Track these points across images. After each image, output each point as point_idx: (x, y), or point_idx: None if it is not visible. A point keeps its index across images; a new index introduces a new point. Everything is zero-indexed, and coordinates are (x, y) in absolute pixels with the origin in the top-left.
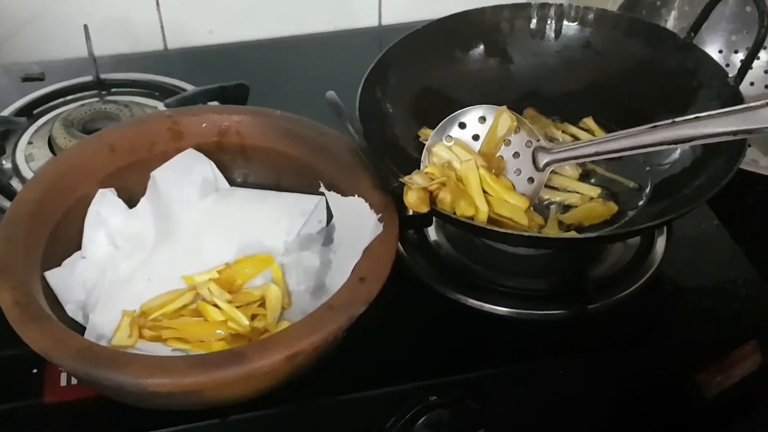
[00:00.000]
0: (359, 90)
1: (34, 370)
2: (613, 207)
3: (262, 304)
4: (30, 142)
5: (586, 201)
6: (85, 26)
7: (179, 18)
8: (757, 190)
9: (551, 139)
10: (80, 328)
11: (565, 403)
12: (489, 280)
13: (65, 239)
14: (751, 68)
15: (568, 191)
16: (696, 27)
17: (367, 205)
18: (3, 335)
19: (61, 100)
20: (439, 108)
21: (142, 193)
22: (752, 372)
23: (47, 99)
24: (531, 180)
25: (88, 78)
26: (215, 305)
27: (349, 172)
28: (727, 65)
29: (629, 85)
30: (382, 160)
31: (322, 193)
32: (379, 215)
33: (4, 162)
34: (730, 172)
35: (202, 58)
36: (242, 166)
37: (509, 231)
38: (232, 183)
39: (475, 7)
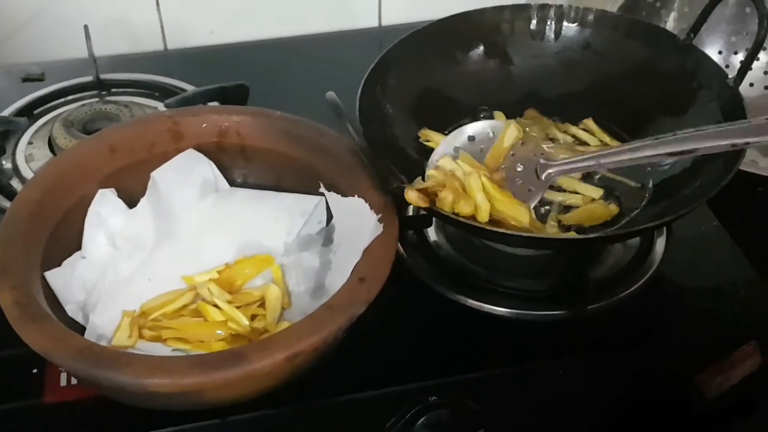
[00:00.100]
0: (359, 90)
1: (34, 370)
2: (614, 209)
3: (262, 304)
4: (30, 143)
5: (588, 202)
6: (86, 26)
7: (179, 18)
8: (757, 191)
9: (552, 140)
10: (80, 329)
11: (564, 403)
12: (489, 280)
13: (65, 239)
14: (751, 69)
15: (570, 192)
16: (696, 28)
17: (367, 205)
18: (3, 335)
19: (62, 100)
20: (439, 109)
21: (142, 194)
22: (752, 373)
23: (47, 99)
24: (530, 190)
25: (88, 78)
26: (215, 305)
27: (349, 172)
28: (727, 66)
29: (629, 86)
30: (382, 160)
31: (322, 194)
32: (379, 216)
33: (4, 162)
34: (729, 172)
35: (202, 58)
36: (242, 166)
37: (509, 231)
38: (232, 183)
39: (475, 8)
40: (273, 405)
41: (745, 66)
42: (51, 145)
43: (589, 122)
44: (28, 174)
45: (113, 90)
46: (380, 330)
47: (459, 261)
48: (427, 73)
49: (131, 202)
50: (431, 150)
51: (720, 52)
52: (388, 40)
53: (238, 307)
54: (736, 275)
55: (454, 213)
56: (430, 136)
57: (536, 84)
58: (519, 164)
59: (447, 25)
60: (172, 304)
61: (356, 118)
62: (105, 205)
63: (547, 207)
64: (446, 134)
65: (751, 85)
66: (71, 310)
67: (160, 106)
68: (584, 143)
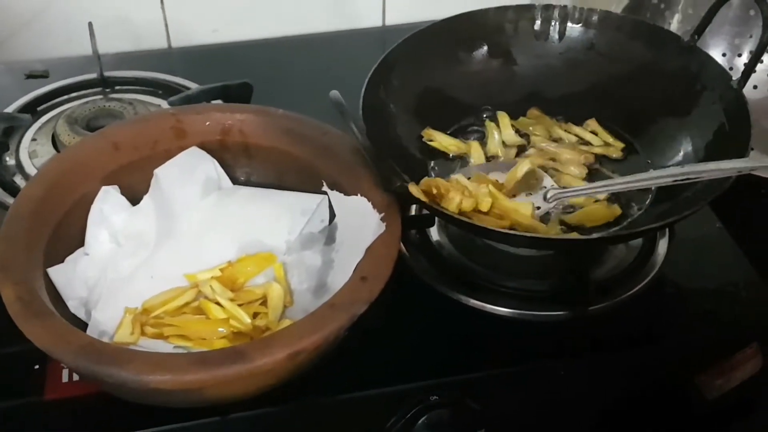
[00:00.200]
0: (363, 90)
1: (36, 366)
2: (616, 210)
3: (264, 302)
4: (34, 139)
5: (591, 202)
6: (90, 24)
7: (183, 16)
8: (760, 193)
9: (556, 140)
10: (83, 325)
11: (565, 404)
12: (490, 280)
13: (68, 236)
14: (755, 72)
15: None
16: (699, 30)
17: (369, 204)
18: (5, 332)
19: (65, 97)
20: (442, 108)
21: (145, 191)
22: (753, 375)
23: (51, 96)
24: (537, 208)
25: (92, 75)
26: (217, 303)
27: (352, 171)
28: (731, 68)
29: (632, 87)
30: (385, 159)
31: (325, 193)
32: (382, 215)
33: (7, 158)
34: (732, 175)
35: (205, 56)
36: (245, 164)
37: (511, 231)
38: (234, 181)
39: (479, 8)
40: (274, 403)
41: (749, 68)
42: (54, 142)
43: (593, 123)
44: (31, 170)
45: (117, 87)
46: (382, 329)
47: (461, 261)
48: (431, 73)
49: (134, 200)
50: (434, 149)
51: (724, 54)
52: (391, 39)
53: (240, 305)
54: (738, 277)
55: (460, 212)
56: (433, 136)
57: (539, 84)
58: (528, 192)
59: (450, 24)
60: (175, 302)
61: (359, 117)
62: (108, 202)
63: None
64: (449, 134)
65: (755, 87)
66: (73, 306)
67: (164, 103)
68: (587, 143)
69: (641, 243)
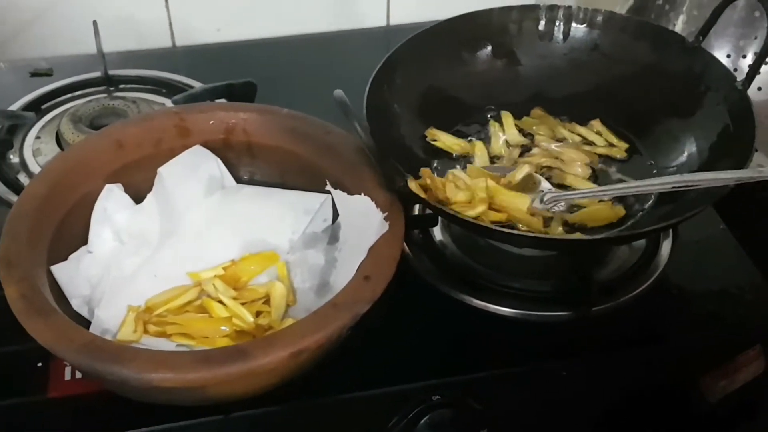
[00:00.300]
0: (367, 89)
1: (39, 364)
2: (620, 211)
3: (267, 301)
4: (38, 137)
5: (595, 202)
6: (95, 22)
7: (187, 16)
8: (763, 195)
9: (560, 140)
10: (86, 323)
11: (568, 404)
12: (493, 280)
13: (71, 234)
14: (759, 73)
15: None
16: (704, 31)
17: (372, 203)
18: (8, 329)
19: (69, 95)
20: (446, 108)
21: (149, 190)
22: (756, 377)
23: (55, 94)
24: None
25: (97, 74)
26: (220, 302)
27: (355, 170)
28: (735, 70)
29: (636, 88)
30: (388, 159)
31: (328, 192)
32: (385, 214)
33: (11, 156)
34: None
35: (210, 55)
36: (248, 163)
37: (514, 231)
38: (238, 180)
39: (484, 8)
40: (276, 402)
41: (754, 69)
42: (58, 140)
43: (597, 123)
44: (35, 168)
45: (121, 86)
46: (384, 328)
47: (464, 261)
48: (435, 73)
49: (138, 198)
50: (437, 149)
51: (728, 56)
52: (396, 39)
53: (242, 304)
54: (742, 278)
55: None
56: (436, 136)
57: (543, 84)
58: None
59: (455, 25)
60: (177, 300)
61: (363, 116)
62: (111, 200)
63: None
64: (453, 133)
65: (759, 89)
66: (77, 304)
67: (168, 102)
68: (591, 143)
69: (645, 244)
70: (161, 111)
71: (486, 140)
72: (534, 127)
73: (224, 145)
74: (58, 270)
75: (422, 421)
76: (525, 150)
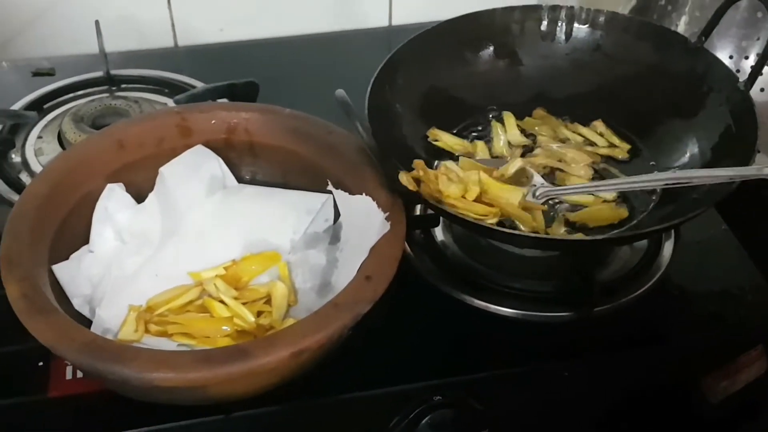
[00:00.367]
0: (368, 89)
1: (40, 363)
2: (623, 212)
3: (268, 301)
4: (39, 137)
5: (599, 203)
6: (97, 22)
7: (190, 16)
8: (766, 196)
9: (562, 141)
10: (87, 322)
11: (569, 404)
12: (495, 281)
13: (73, 233)
14: (762, 74)
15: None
16: (706, 32)
17: (374, 203)
18: (10, 329)
19: (71, 95)
20: (447, 108)
21: (150, 189)
22: (758, 377)
23: (57, 94)
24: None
25: (99, 74)
26: (221, 301)
27: (357, 170)
28: (738, 71)
29: (638, 89)
30: (390, 159)
31: (330, 192)
32: (386, 214)
33: (13, 156)
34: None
35: (212, 55)
36: (250, 163)
37: (516, 231)
38: (240, 180)
39: (486, 8)
40: (277, 402)
41: (756, 70)
42: (60, 140)
43: (599, 124)
44: (37, 168)
45: (123, 86)
46: (385, 328)
47: (465, 261)
48: (437, 73)
49: (139, 197)
50: (439, 149)
51: (731, 57)
52: (398, 39)
53: (244, 304)
54: (744, 279)
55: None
56: (438, 136)
57: (545, 85)
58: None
59: (457, 25)
60: (179, 300)
61: (365, 116)
62: (113, 199)
63: (557, 208)
64: (454, 134)
65: (762, 90)
66: (78, 303)
67: (170, 102)
68: (593, 144)
69: (646, 244)
70: (163, 111)
71: (488, 141)
72: (536, 128)
73: (226, 144)
74: (60, 269)
75: (423, 422)
76: (527, 150)
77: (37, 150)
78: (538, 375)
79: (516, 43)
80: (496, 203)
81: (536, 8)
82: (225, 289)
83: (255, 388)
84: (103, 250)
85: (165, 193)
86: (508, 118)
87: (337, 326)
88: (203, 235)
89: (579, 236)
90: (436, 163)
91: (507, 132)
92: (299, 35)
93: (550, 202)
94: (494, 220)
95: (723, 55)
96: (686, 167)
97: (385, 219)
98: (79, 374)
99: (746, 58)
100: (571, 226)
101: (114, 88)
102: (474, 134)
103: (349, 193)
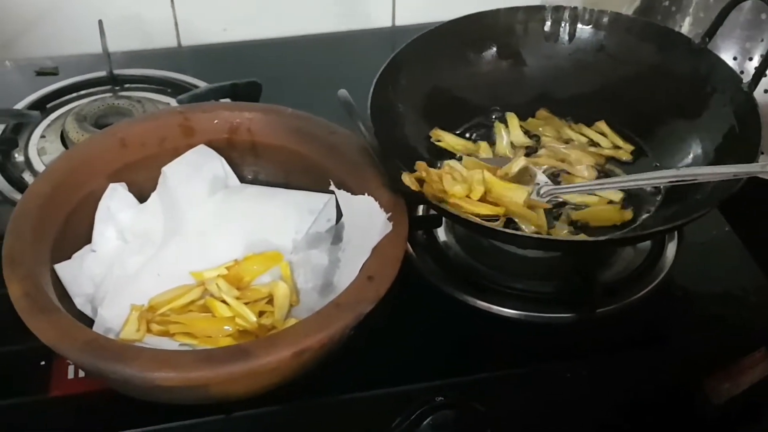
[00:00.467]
0: (371, 89)
1: (42, 363)
2: (627, 214)
3: (270, 301)
4: (42, 136)
5: (604, 203)
6: (100, 22)
7: (193, 15)
8: None
9: (566, 141)
10: (89, 322)
11: (571, 406)
12: (497, 282)
13: (75, 233)
14: (765, 75)
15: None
16: (710, 33)
17: (376, 204)
18: (12, 328)
19: (75, 94)
20: (450, 109)
21: (153, 189)
22: (761, 379)
23: (60, 93)
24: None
25: (102, 73)
26: (223, 301)
27: (359, 170)
28: (741, 72)
29: (642, 89)
30: (393, 159)
31: (332, 192)
32: (389, 214)
33: (16, 155)
34: (741, 178)
35: (215, 55)
36: (252, 163)
37: (518, 232)
38: (242, 180)
39: (489, 8)
40: (278, 402)
41: (760, 71)
42: (63, 139)
43: (602, 125)
44: (40, 167)
45: (126, 85)
46: (387, 329)
47: (467, 262)
48: (440, 73)
49: (141, 197)
50: (442, 150)
51: (735, 58)
52: (401, 40)
53: (246, 304)
54: (747, 281)
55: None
56: (441, 136)
57: (549, 85)
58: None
59: (460, 25)
60: (181, 299)
61: (367, 116)
62: (115, 199)
63: (560, 209)
64: (457, 134)
65: (766, 91)
66: (80, 303)
67: (173, 102)
68: (596, 144)
69: (650, 245)
70: (166, 110)
71: (491, 141)
72: (539, 129)
73: (228, 144)
74: (62, 268)
75: (425, 422)
76: (530, 151)
77: (40, 149)
78: (540, 376)
79: (519, 44)
80: (500, 202)
81: (540, 9)
82: (227, 288)
83: (256, 387)
84: (106, 250)
85: (167, 192)
86: (512, 118)
87: (338, 326)
88: (205, 234)
89: (582, 237)
90: (439, 164)
91: (510, 133)
92: (302, 35)
93: (555, 203)
94: (501, 222)
95: (727, 56)
96: (690, 168)
97: (388, 219)
98: (81, 374)
99: (750, 59)
100: (574, 225)
101: (117, 88)
102: (477, 135)
103: (352, 194)
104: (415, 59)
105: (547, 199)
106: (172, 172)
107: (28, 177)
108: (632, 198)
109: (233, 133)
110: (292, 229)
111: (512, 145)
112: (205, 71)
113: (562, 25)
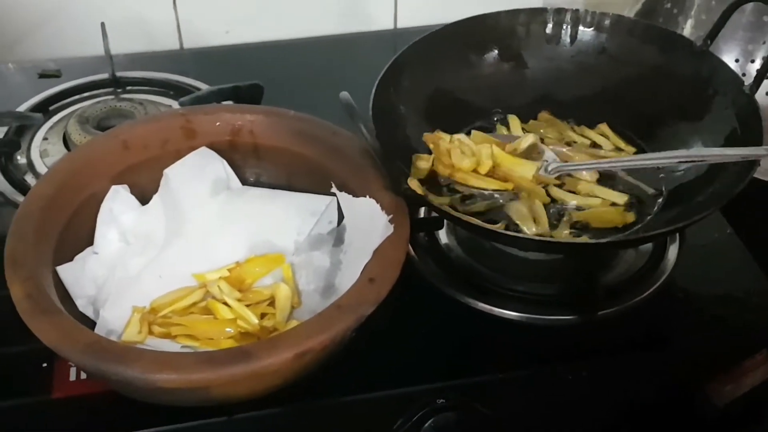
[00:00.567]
0: (373, 91)
1: (44, 365)
2: (629, 216)
3: (272, 303)
4: (45, 138)
5: (607, 204)
6: (102, 24)
7: (195, 18)
8: None
9: (569, 143)
10: (91, 324)
11: (572, 407)
12: (499, 284)
13: (77, 235)
14: (767, 78)
15: (592, 196)
16: (712, 35)
17: (378, 206)
18: (14, 330)
19: (77, 97)
20: (452, 111)
21: (155, 191)
22: (763, 381)
23: (63, 96)
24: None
25: (104, 75)
26: (225, 303)
27: (361, 172)
28: (743, 75)
29: (644, 92)
30: (394, 161)
31: (334, 194)
32: (390, 216)
33: (19, 157)
34: (743, 180)
35: (217, 58)
36: (254, 165)
37: (519, 234)
38: (244, 182)
39: (491, 11)
40: (280, 403)
41: (762, 74)
42: (66, 141)
43: (604, 127)
44: (42, 169)
45: (128, 87)
46: (389, 331)
47: (469, 264)
48: (441, 76)
49: (144, 199)
50: None
51: (737, 60)
52: (403, 42)
53: (247, 306)
54: (749, 283)
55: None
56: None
57: (550, 88)
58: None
59: (462, 27)
60: (182, 301)
61: (369, 118)
62: (117, 201)
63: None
64: None
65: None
66: (82, 304)
67: (175, 104)
68: (598, 146)
69: (651, 248)
70: (168, 112)
71: None
72: (542, 131)
73: (230, 146)
74: (64, 270)
75: (427, 424)
76: None
77: (43, 151)
78: (541, 378)
79: (521, 46)
80: (509, 177)
81: (541, 11)
82: (229, 290)
83: (258, 389)
84: (108, 252)
85: (169, 194)
86: (513, 120)
87: (340, 328)
88: (207, 236)
89: (584, 239)
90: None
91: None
92: (304, 38)
93: (557, 206)
94: (502, 224)
95: (729, 58)
96: (691, 169)
97: (389, 221)
98: (83, 375)
99: (752, 61)
100: (575, 227)
101: (119, 90)
102: None
103: (353, 195)
104: (416, 61)
105: (556, 175)
106: (174, 174)
107: (30, 179)
108: (634, 202)
109: (235, 135)
110: (294, 231)
111: None
112: (207, 73)
113: (564, 27)
